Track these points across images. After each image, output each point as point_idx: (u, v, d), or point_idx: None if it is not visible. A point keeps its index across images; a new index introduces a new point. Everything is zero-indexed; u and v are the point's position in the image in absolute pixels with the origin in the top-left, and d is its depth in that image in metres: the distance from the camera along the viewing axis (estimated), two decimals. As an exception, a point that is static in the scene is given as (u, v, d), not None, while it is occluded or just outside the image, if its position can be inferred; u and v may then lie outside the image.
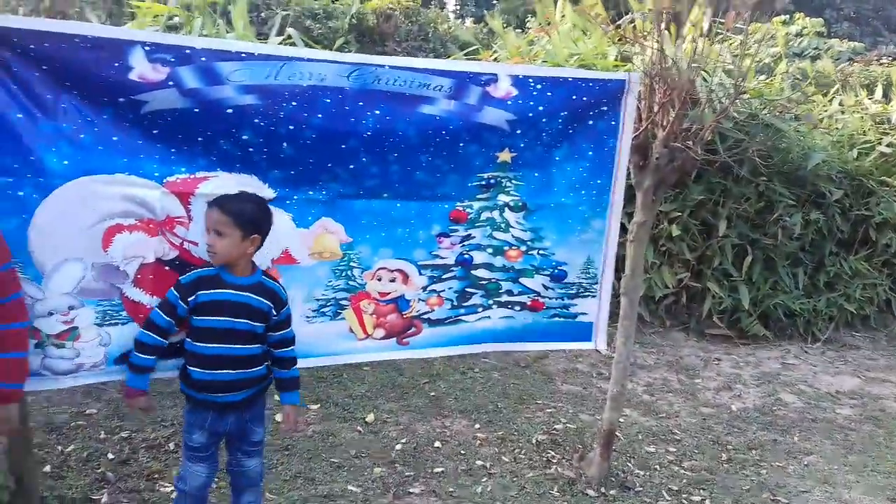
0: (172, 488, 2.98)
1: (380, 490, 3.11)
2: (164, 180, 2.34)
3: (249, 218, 2.27)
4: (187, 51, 2.23)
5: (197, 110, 2.28)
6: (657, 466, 3.48)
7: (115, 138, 2.25)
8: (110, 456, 3.20)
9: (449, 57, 6.44)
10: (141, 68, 2.18)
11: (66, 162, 2.20)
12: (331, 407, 3.82)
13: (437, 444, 3.54)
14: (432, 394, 4.08)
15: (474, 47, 6.38)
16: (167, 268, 2.40)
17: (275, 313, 2.36)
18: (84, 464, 3.13)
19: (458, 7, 21.67)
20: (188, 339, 2.33)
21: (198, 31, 3.89)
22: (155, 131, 2.29)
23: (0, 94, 2.09)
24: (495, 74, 2.64)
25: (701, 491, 3.30)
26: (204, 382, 2.32)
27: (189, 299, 2.28)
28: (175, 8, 4.26)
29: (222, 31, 3.76)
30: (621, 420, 3.74)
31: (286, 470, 3.18)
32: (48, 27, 2.12)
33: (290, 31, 4.47)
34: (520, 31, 6.52)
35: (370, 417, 3.73)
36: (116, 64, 2.16)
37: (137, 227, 2.33)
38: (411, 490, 3.13)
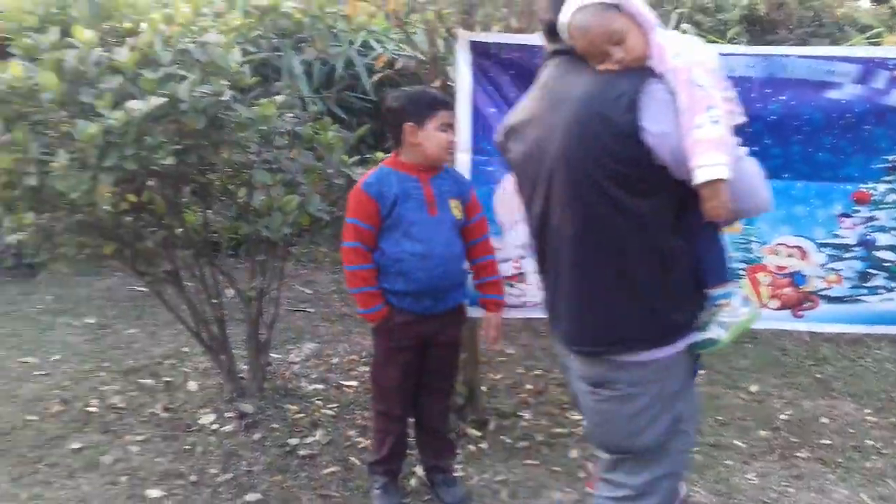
0: (581, 417, 3.58)
1: (765, 449, 3.33)
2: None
3: None
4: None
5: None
6: None
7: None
8: (529, 387, 3.92)
9: (847, 42, 6.12)
10: (585, 68, 2.73)
11: (525, 144, 2.85)
12: (715, 374, 4.10)
13: (823, 419, 3.62)
14: (818, 375, 4.12)
15: (877, 30, 5.98)
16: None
17: None
18: (510, 389, 3.89)
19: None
20: None
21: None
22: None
23: (480, 95, 2.80)
24: (903, 59, 2.68)
25: None
26: None
27: None
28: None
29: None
30: None
31: (674, 419, 3.58)
32: (515, 40, 2.77)
33: (684, 26, 4.77)
34: (928, 8, 5.92)
35: (754, 388, 3.94)
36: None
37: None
38: (797, 454, 3.30)
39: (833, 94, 2.72)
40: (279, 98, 2.75)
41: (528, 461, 3.18)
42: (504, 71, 2.76)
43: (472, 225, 2.69)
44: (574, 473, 3.09)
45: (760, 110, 2.73)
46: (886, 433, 3.49)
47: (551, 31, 1.75)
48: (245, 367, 3.72)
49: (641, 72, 1.63)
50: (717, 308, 1.77)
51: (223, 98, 2.43)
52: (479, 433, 3.38)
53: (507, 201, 2.90)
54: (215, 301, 3.49)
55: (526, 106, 1.84)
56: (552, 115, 1.69)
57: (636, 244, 1.66)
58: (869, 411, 3.71)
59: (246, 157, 2.64)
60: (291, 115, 2.83)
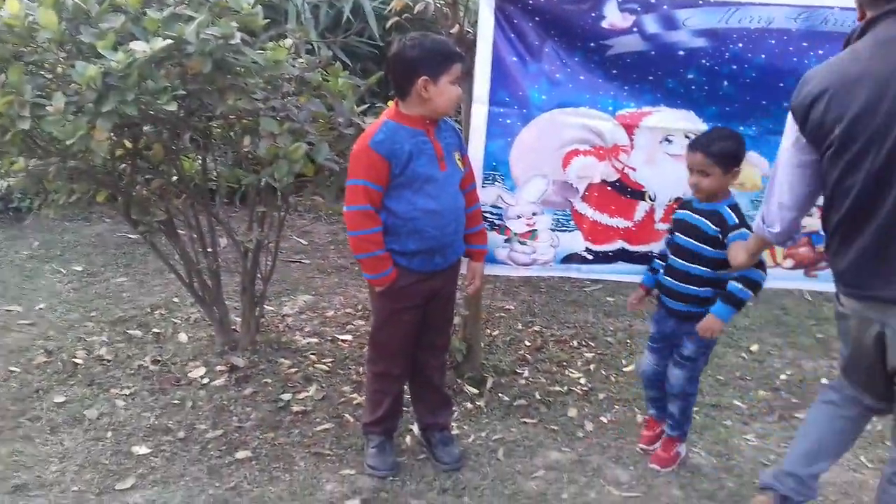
0: (579, 375, 3.56)
1: (765, 410, 3.34)
2: (616, 113, 2.76)
3: (730, 154, 2.52)
4: (652, 0, 2.59)
5: (653, 53, 2.65)
6: None
7: (581, 77, 2.72)
8: (527, 343, 3.87)
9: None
10: (612, 17, 2.60)
11: (544, 97, 2.73)
12: (716, 333, 4.09)
13: (823, 380, 3.63)
14: (819, 335, 4.12)
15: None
16: (609, 188, 2.85)
17: (721, 238, 2.54)
18: (508, 346, 3.83)
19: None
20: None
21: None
22: (614, 71, 2.71)
23: (502, 42, 2.67)
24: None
25: None
26: (659, 284, 2.77)
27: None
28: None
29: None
30: None
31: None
32: (545, -16, 2.63)
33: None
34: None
35: (754, 347, 3.93)
36: (593, 14, 2.61)
37: (590, 152, 2.81)
38: (797, 415, 3.30)
39: None
40: (287, 42, 2.59)
41: (526, 419, 3.15)
42: (529, 17, 2.62)
43: (464, 175, 2.60)
44: (572, 432, 3.06)
45: (796, 65, 2.62)
46: (886, 396, 3.51)
47: None
48: (237, 319, 3.61)
49: None
50: None
51: (233, 41, 2.27)
52: (476, 391, 3.33)
53: (524, 156, 2.80)
54: (209, 251, 3.36)
55: (846, 67, 1.88)
56: None
57: None
58: (868, 373, 3.72)
59: (252, 104, 2.49)
60: (301, 60, 2.67)
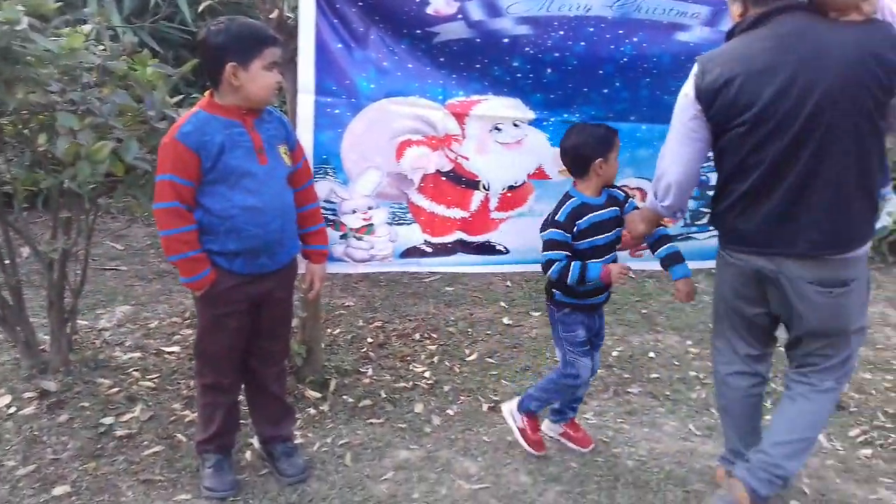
0: (424, 368, 3.52)
1: (601, 387, 3.45)
2: (446, 102, 2.72)
3: None
4: (476, -13, 2.57)
5: (478, 40, 2.63)
6: (873, 391, 3.55)
7: (409, 65, 2.66)
8: (369, 340, 3.78)
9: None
10: (436, 3, 2.55)
11: (372, 86, 2.64)
12: (549, 315, 4.20)
13: (650, 354, 3.82)
14: (644, 311, 4.34)
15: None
16: (444, 178, 2.81)
17: (620, 214, 2.63)
18: (350, 344, 3.73)
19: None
20: (577, 261, 2.55)
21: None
22: (441, 59, 2.66)
23: (325, 29, 2.54)
24: (752, 1, 2.76)
25: (917, 416, 3.37)
26: (591, 291, 2.62)
27: (573, 230, 2.56)
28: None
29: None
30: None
31: (515, 363, 3.62)
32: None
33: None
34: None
35: (587, 327, 4.07)
36: (417, 0, 2.54)
37: (423, 142, 2.75)
38: (629, 390, 3.45)
39: (682, 37, 2.74)
40: (86, 28, 2.32)
41: (372, 420, 3.06)
42: (352, 2, 2.51)
43: (297, 171, 2.48)
44: (420, 429, 3.01)
45: (613, 52, 2.70)
46: (707, 364, 3.71)
47: None
48: (46, 338, 3.26)
49: (884, 22, 2.08)
50: (884, 202, 2.27)
51: (19, 27, 1.99)
52: (318, 394, 3.20)
53: (356, 147, 2.70)
54: (7, 263, 3.00)
55: (751, 57, 2.11)
56: (817, 59, 2.03)
57: (876, 159, 2.12)
58: (690, 343, 3.96)
59: (46, 97, 2.21)
60: (103, 47, 2.40)
